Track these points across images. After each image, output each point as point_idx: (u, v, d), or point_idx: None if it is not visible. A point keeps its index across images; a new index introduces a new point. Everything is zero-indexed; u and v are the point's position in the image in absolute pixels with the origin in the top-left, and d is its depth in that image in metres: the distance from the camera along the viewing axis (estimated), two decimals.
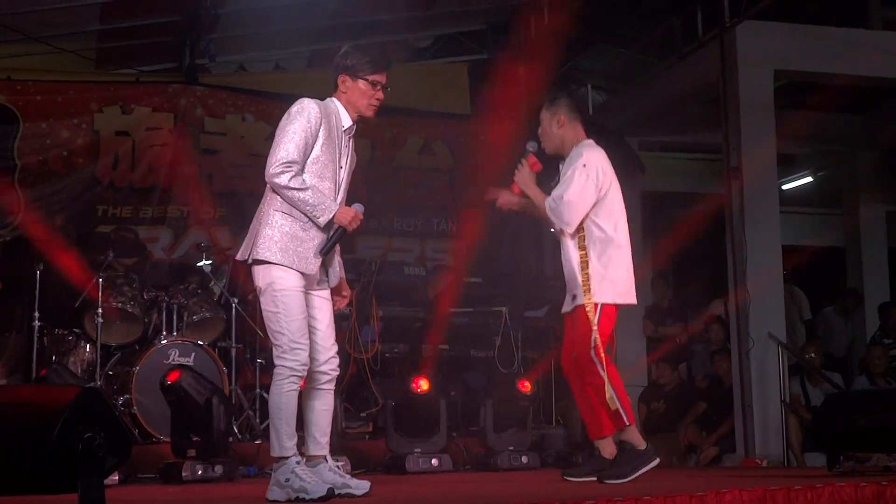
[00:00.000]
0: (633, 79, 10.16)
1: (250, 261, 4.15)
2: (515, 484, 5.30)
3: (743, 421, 7.90)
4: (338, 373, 4.30)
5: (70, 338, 7.23)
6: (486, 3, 9.79)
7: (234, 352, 7.33)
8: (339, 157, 4.25)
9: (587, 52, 10.24)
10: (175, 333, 7.09)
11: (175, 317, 7.18)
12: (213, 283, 7.79)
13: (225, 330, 7.45)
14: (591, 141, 5.22)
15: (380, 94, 4.29)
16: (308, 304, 4.15)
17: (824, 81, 8.78)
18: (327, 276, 4.30)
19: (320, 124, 4.14)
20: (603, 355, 4.92)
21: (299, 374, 4.07)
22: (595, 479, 4.92)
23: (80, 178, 9.05)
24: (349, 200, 4.30)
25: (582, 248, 5.05)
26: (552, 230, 5.25)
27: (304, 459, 4.15)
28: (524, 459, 6.71)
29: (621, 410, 4.94)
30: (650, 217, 10.84)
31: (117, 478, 5.39)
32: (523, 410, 6.89)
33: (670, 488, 3.99)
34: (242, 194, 9.12)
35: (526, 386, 6.84)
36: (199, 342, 6.97)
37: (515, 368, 7.70)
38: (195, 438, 5.85)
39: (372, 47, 4.71)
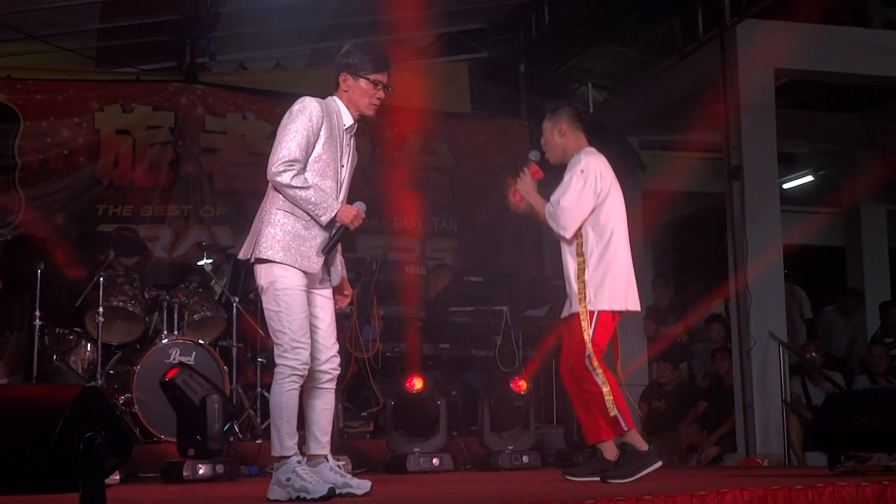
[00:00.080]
0: (634, 78, 10.16)
1: (253, 259, 4.15)
2: (516, 483, 5.30)
3: (744, 420, 7.90)
4: (338, 372, 4.30)
5: (71, 337, 7.22)
6: (487, 2, 9.79)
7: (234, 351, 7.32)
8: (341, 156, 4.25)
9: (587, 52, 10.25)
10: (176, 332, 7.08)
11: (176, 316, 7.17)
12: (213, 282, 7.79)
13: (226, 329, 7.44)
14: (592, 149, 5.23)
15: (381, 94, 4.29)
16: (310, 303, 4.15)
17: (824, 81, 8.78)
18: (329, 275, 4.31)
19: (322, 123, 4.14)
20: (597, 363, 4.93)
21: (300, 373, 4.07)
22: (596, 479, 4.92)
23: (81, 177, 9.04)
24: (350, 199, 4.30)
25: (580, 254, 5.05)
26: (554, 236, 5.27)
27: (305, 459, 4.15)
28: (525, 459, 6.70)
29: (619, 417, 4.94)
30: (650, 217, 10.85)
31: (118, 477, 5.38)
32: (520, 410, 6.88)
33: (671, 488, 3.99)
34: (243, 193, 9.12)
35: (520, 385, 6.84)
36: (199, 341, 6.96)
37: (516, 368, 7.70)
38: (198, 437, 5.86)
39: (373, 46, 4.72)
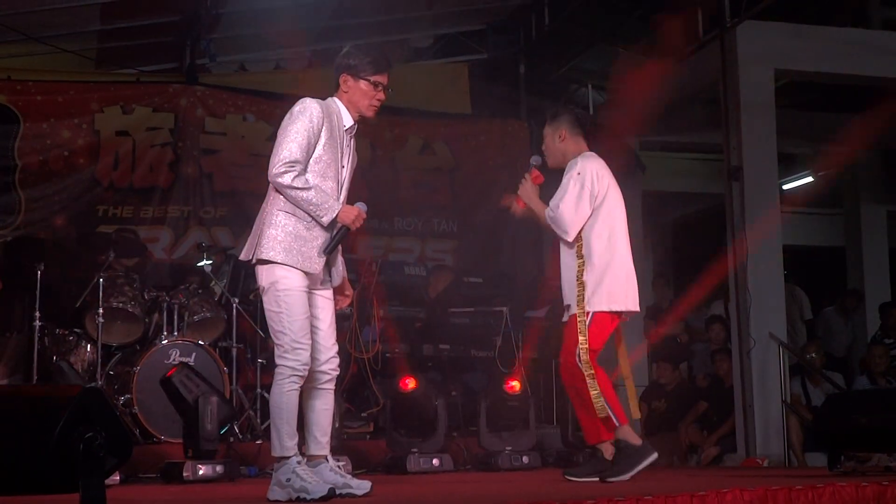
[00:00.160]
0: None
1: (254, 260, 4.15)
2: (516, 484, 5.30)
3: (744, 421, 7.89)
4: (338, 372, 4.31)
5: (71, 338, 7.23)
6: (487, 2, 9.79)
7: (234, 352, 7.32)
8: (342, 157, 4.26)
9: (587, 52, 10.24)
10: (176, 333, 7.08)
11: (176, 317, 7.18)
12: (213, 283, 7.79)
13: (226, 330, 7.45)
14: (591, 153, 5.28)
15: (381, 95, 4.30)
16: (310, 304, 4.16)
17: (824, 81, 8.78)
18: (330, 276, 4.31)
19: (322, 124, 4.15)
20: (588, 363, 4.96)
21: (300, 373, 4.08)
22: (596, 479, 4.93)
23: (81, 179, 9.04)
24: (350, 200, 4.31)
25: (580, 256, 5.11)
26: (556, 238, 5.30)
27: (305, 459, 4.15)
28: (525, 459, 6.71)
29: (611, 414, 4.97)
30: (650, 217, 10.85)
31: (118, 478, 5.38)
32: (516, 410, 6.89)
33: (671, 488, 3.99)
34: (243, 194, 9.12)
35: (513, 386, 6.84)
36: (199, 342, 6.96)
37: (509, 369, 7.69)
38: (193, 437, 5.86)
39: (373, 47, 4.71)
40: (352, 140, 4.34)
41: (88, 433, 2.63)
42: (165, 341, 6.89)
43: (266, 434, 6.48)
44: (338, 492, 4.01)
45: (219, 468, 5.78)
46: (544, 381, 8.16)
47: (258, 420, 7.16)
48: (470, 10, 9.81)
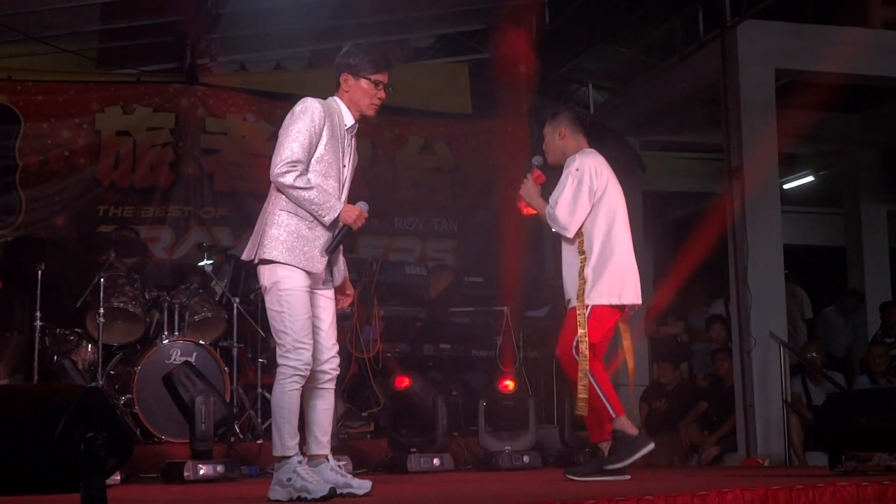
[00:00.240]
0: (634, 79, 10.16)
1: (256, 260, 4.16)
2: (516, 483, 5.30)
3: (744, 420, 7.89)
4: (338, 372, 4.31)
5: (72, 338, 7.23)
6: (487, 2, 9.79)
7: (235, 351, 7.33)
8: (343, 156, 4.26)
9: (587, 52, 10.25)
10: (176, 333, 7.09)
11: (176, 316, 7.18)
12: (214, 282, 7.79)
13: (226, 330, 7.45)
14: (591, 150, 5.30)
15: (382, 94, 4.30)
16: (312, 304, 4.16)
17: (825, 81, 8.78)
18: (332, 276, 4.31)
19: (324, 123, 4.15)
20: (579, 353, 4.99)
21: (302, 373, 4.08)
22: (597, 478, 4.94)
23: (82, 179, 9.05)
24: (350, 200, 4.31)
25: (581, 252, 5.14)
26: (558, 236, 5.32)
27: (306, 459, 4.15)
28: (525, 459, 6.71)
29: (607, 405, 5.01)
30: (651, 217, 10.84)
31: (119, 477, 5.39)
32: (512, 410, 6.88)
33: (672, 488, 3.99)
34: (244, 194, 9.14)
35: (506, 386, 6.84)
36: (200, 342, 6.96)
37: (517, 369, 7.70)
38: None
39: (374, 47, 4.71)
40: (353, 139, 4.34)
41: (89, 433, 2.63)
42: (166, 341, 6.89)
43: (267, 434, 6.49)
44: (338, 491, 4.01)
45: (220, 468, 5.77)
46: (544, 381, 8.15)
47: (259, 420, 7.17)
48: (470, 9, 9.81)
